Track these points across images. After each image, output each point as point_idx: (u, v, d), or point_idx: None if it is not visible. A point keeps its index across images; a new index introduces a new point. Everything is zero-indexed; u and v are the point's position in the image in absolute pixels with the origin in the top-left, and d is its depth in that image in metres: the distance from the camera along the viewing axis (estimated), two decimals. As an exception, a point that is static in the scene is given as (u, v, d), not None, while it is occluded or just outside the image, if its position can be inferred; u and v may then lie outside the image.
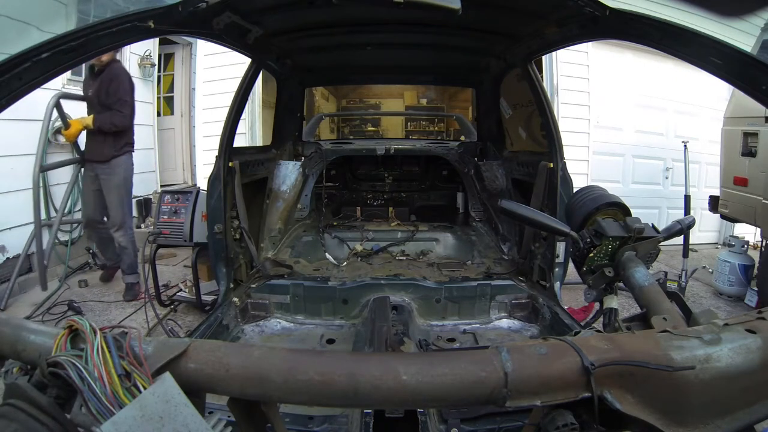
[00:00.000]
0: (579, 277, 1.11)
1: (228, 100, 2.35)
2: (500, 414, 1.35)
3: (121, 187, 3.66)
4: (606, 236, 1.03)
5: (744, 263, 3.89)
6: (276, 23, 2.08)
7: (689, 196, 4.24)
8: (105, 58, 3.44)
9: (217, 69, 5.20)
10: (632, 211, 1.14)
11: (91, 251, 4.27)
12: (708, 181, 5.56)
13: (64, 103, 3.60)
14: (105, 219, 3.77)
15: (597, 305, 1.10)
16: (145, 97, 5.41)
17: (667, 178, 5.77)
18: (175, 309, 3.41)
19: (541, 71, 5.13)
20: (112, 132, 3.53)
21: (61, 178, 4.07)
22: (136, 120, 3.81)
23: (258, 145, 4.31)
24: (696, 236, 5.59)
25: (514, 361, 0.60)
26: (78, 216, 4.31)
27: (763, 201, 3.62)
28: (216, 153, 2.32)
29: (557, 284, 2.31)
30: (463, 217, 3.57)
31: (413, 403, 0.62)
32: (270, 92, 4.54)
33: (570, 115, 5.29)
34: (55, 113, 3.56)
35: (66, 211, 4.11)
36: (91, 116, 3.51)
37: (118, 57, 3.83)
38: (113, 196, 3.64)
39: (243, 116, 2.81)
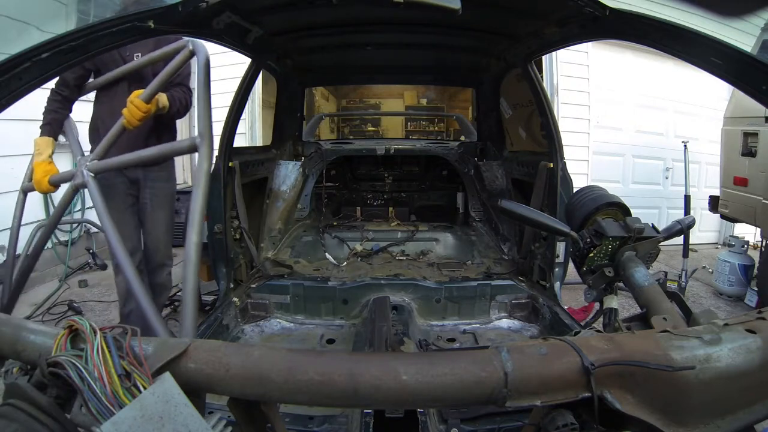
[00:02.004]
0: (579, 277, 1.11)
1: (228, 100, 2.35)
2: (500, 414, 1.35)
3: (173, 200, 2.64)
4: (606, 236, 1.03)
5: (744, 263, 3.89)
6: (276, 23, 2.08)
7: (689, 196, 4.24)
8: None
9: (217, 69, 5.13)
10: (632, 211, 1.14)
11: (91, 251, 4.27)
12: (708, 181, 5.56)
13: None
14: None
15: (597, 305, 1.10)
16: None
17: (667, 178, 5.77)
18: (176, 309, 3.41)
19: (541, 71, 5.13)
20: (167, 120, 2.43)
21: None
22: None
23: (258, 145, 4.30)
24: (696, 236, 5.59)
25: (514, 361, 0.60)
26: (76, 215, 4.30)
27: (763, 201, 3.62)
28: (216, 153, 2.31)
29: (557, 284, 2.31)
30: (463, 217, 3.57)
31: (413, 403, 0.62)
32: (270, 92, 4.53)
33: (570, 115, 5.30)
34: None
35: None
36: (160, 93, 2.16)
37: None
38: (165, 213, 2.52)
39: (243, 116, 2.80)
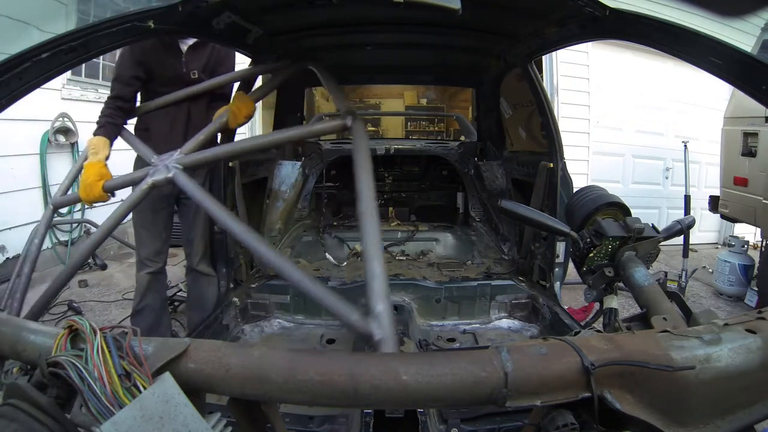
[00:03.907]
0: (579, 277, 1.11)
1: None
2: (500, 414, 1.35)
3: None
4: (606, 236, 1.03)
5: (744, 263, 3.89)
6: (276, 23, 2.08)
7: (689, 196, 4.24)
8: None
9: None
10: (632, 211, 1.15)
11: (91, 251, 4.25)
12: (708, 181, 5.56)
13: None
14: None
15: (597, 305, 1.10)
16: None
17: (667, 178, 5.77)
18: (176, 309, 3.41)
19: (541, 71, 5.13)
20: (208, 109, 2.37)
21: (60, 178, 4.06)
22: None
23: (258, 145, 4.29)
24: (696, 236, 5.58)
25: (514, 361, 0.60)
26: (77, 215, 4.29)
27: (763, 201, 3.62)
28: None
29: (557, 284, 2.31)
30: (463, 217, 3.57)
31: (413, 403, 0.62)
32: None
33: (570, 115, 5.29)
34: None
35: (65, 211, 4.12)
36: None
37: None
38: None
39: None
